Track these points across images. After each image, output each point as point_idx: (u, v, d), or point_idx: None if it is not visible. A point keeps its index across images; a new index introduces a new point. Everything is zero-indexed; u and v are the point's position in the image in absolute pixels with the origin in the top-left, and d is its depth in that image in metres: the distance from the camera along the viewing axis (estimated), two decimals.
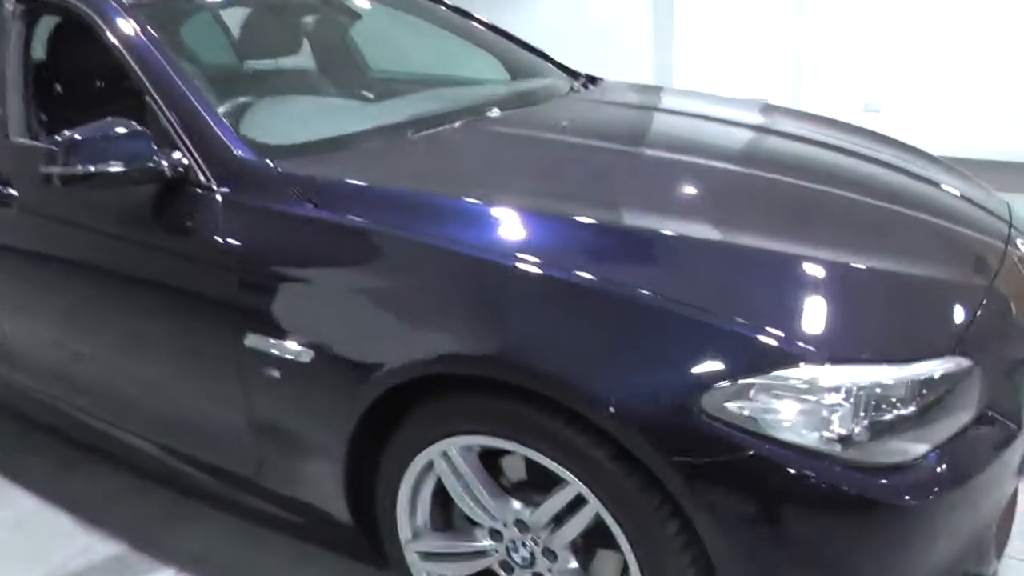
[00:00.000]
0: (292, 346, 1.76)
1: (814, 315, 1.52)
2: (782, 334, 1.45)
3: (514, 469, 1.75)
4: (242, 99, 2.16)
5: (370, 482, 1.83)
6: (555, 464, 1.56)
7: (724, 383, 1.41)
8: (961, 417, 1.50)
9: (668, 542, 1.49)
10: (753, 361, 1.42)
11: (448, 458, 1.71)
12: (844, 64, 6.28)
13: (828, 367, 1.42)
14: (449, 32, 2.96)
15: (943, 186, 2.16)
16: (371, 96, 2.54)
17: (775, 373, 1.41)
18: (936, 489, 1.43)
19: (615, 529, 1.55)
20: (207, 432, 2.05)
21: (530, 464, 1.69)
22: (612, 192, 1.94)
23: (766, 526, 1.43)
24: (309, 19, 2.73)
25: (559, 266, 1.57)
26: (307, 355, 1.75)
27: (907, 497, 1.40)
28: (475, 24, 2.99)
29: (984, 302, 1.66)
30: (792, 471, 1.39)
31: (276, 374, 1.80)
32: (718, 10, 6.61)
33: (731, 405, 1.41)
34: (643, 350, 1.47)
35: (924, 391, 1.45)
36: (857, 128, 2.51)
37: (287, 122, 2.16)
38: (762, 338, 1.44)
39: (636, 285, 1.52)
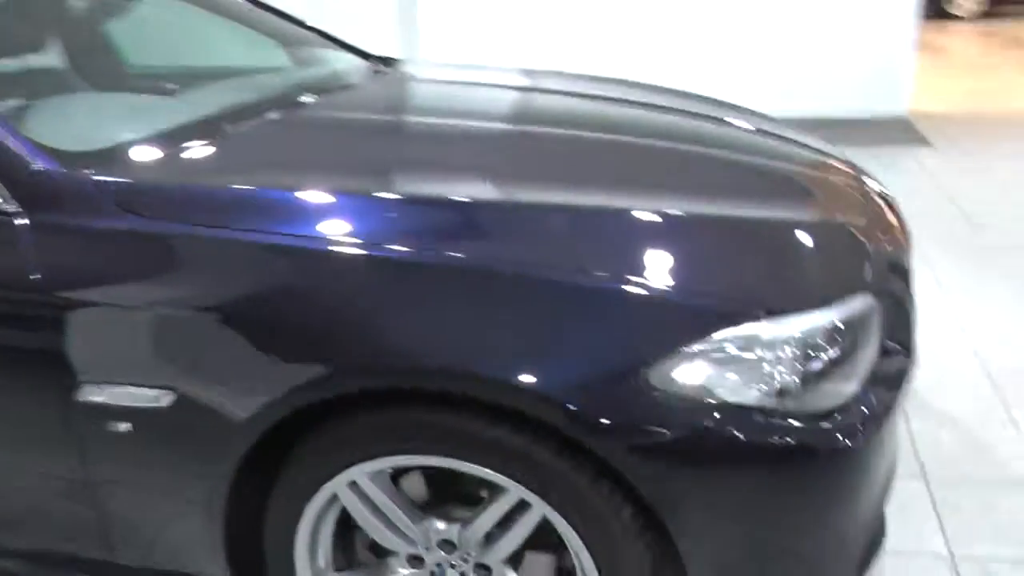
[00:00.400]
0: (142, 391, 1.47)
1: (736, 272, 1.49)
2: (716, 295, 1.41)
3: (416, 487, 1.58)
4: (12, 102, 1.76)
5: (255, 530, 1.59)
6: (492, 472, 1.42)
7: (669, 353, 1.34)
8: (870, 352, 1.54)
9: (624, 530, 1.40)
10: (694, 327, 1.36)
11: (356, 487, 1.51)
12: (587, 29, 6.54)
13: (765, 323, 1.39)
14: (219, 16, 2.64)
15: (789, 138, 2.20)
16: (172, 90, 2.19)
17: (717, 335, 1.36)
18: (869, 425, 1.45)
19: (563, 528, 1.44)
20: (35, 515, 1.67)
21: (434, 479, 1.54)
22: (473, 170, 1.80)
23: (725, 493, 1.39)
24: (57, 9, 2.30)
25: (441, 250, 1.43)
26: (165, 398, 1.47)
27: (845, 437, 1.40)
28: (243, 4, 2.69)
29: (869, 239, 1.72)
30: (745, 433, 1.35)
31: (125, 428, 1.50)
32: None
33: (679, 375, 1.34)
34: (573, 329, 1.36)
35: (843, 332, 1.46)
36: (679, 91, 2.54)
37: (82, 125, 1.78)
38: (698, 301, 1.39)
39: (547, 263, 1.41)
